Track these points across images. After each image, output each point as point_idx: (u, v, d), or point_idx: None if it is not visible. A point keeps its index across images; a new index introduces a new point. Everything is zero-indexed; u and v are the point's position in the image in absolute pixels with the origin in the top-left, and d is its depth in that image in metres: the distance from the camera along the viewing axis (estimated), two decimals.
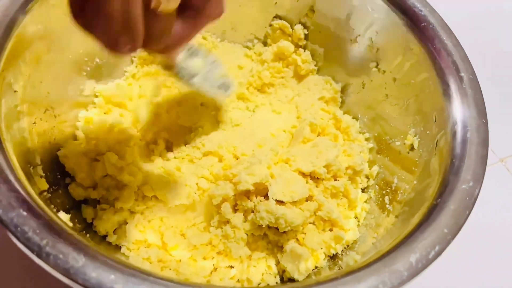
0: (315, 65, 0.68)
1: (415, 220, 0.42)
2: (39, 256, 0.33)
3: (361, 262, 0.40)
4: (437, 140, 0.49)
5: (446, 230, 0.39)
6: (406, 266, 0.37)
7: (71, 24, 0.31)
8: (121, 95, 0.60)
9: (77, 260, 0.32)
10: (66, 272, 0.32)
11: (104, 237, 0.50)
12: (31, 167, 0.45)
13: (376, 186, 0.58)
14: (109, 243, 0.50)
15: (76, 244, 0.34)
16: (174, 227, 0.51)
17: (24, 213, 0.35)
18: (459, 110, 0.48)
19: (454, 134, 0.47)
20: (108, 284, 0.32)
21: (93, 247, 0.34)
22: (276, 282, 0.51)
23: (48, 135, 0.51)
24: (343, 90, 0.66)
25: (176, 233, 0.51)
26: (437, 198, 0.42)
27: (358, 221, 0.56)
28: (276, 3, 0.66)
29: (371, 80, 0.62)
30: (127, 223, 0.51)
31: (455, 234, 0.39)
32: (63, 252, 0.33)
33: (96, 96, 0.60)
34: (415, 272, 0.37)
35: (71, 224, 0.42)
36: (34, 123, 0.49)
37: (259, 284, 0.50)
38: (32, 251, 0.33)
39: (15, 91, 0.46)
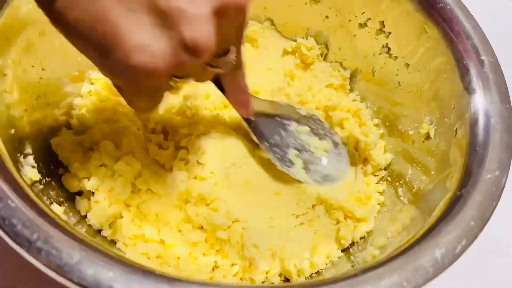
0: (321, 52, 0.64)
1: (437, 212, 0.39)
2: (29, 252, 0.29)
3: (380, 258, 0.36)
4: (456, 128, 0.46)
5: (473, 222, 0.36)
6: (431, 262, 0.34)
7: None
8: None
9: (71, 256, 0.29)
10: (60, 270, 0.29)
11: (99, 231, 0.47)
12: (22, 156, 0.42)
13: (388, 178, 0.55)
14: (104, 238, 0.47)
15: (70, 239, 0.30)
16: (171, 222, 0.48)
17: (13, 204, 0.31)
18: (480, 96, 0.45)
19: (475, 121, 0.44)
20: (107, 283, 0.29)
21: (90, 241, 0.31)
22: (282, 281, 0.48)
23: (40, 124, 0.48)
24: (352, 77, 0.63)
25: (173, 229, 0.48)
26: (460, 189, 0.39)
27: (372, 213, 0.53)
28: None
29: (382, 67, 0.59)
30: (122, 217, 0.47)
31: (482, 227, 0.37)
32: (56, 248, 0.30)
33: (93, 84, 0.57)
34: (441, 268, 0.34)
35: (65, 218, 0.39)
36: (25, 110, 0.46)
37: (263, 283, 0.47)
38: (22, 246, 0.30)
39: (4, 75, 0.42)
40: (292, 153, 0.54)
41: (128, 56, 0.26)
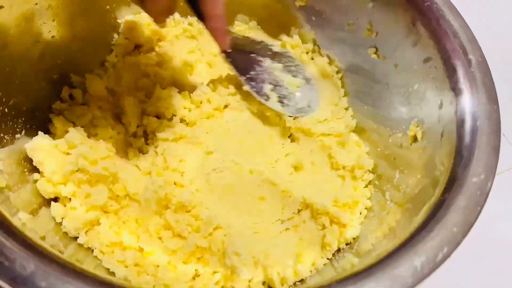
0: (307, 51, 0.63)
1: (420, 218, 0.37)
2: None
3: (359, 266, 0.35)
4: (443, 130, 0.44)
5: (456, 229, 0.35)
6: (410, 271, 0.32)
7: None
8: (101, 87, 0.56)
9: (25, 268, 0.28)
10: (13, 281, 0.28)
11: (75, 239, 0.46)
12: None
13: (376, 182, 0.53)
14: (80, 245, 0.45)
15: (25, 250, 0.29)
16: (150, 229, 0.47)
17: None
18: (467, 96, 0.43)
19: (462, 122, 0.42)
20: None
21: (47, 252, 0.30)
22: None
23: (15, 128, 0.47)
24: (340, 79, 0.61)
25: (152, 236, 0.46)
26: (444, 193, 0.38)
27: (359, 218, 0.51)
28: None
29: (370, 68, 0.57)
30: (100, 223, 0.46)
31: (466, 233, 0.35)
32: (9, 258, 0.28)
33: (73, 87, 0.56)
34: (420, 277, 0.32)
35: (32, 226, 0.37)
36: None
37: None
38: None
39: None
40: (267, 88, 0.56)
41: None
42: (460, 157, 0.40)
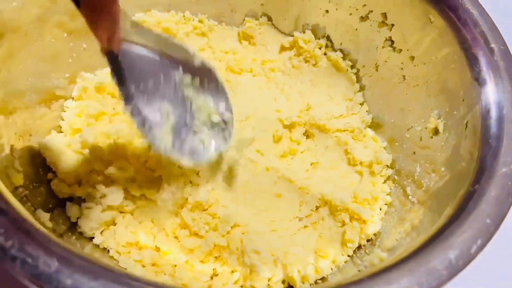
0: (320, 46, 0.62)
1: (449, 211, 0.36)
2: (2, 260, 0.27)
3: (389, 261, 0.34)
4: (467, 121, 0.43)
5: (489, 220, 0.34)
6: (444, 264, 0.31)
7: None
8: (112, 84, 0.54)
9: (48, 265, 0.27)
10: (36, 279, 0.26)
11: (91, 239, 0.45)
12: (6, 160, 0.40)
13: (395, 177, 0.52)
14: (96, 246, 0.44)
15: (48, 246, 0.28)
16: (167, 229, 0.46)
17: None
18: (491, 86, 0.42)
19: (487, 112, 0.41)
20: None
21: (71, 249, 0.28)
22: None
23: (28, 126, 0.46)
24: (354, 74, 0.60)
25: (168, 236, 0.46)
26: (474, 185, 0.37)
27: (379, 214, 0.50)
28: None
29: (386, 61, 0.56)
30: (116, 223, 0.45)
31: (499, 224, 0.34)
32: (32, 256, 0.27)
33: (85, 86, 0.55)
34: (455, 270, 0.31)
35: (50, 225, 0.36)
36: (11, 113, 0.43)
37: None
38: None
39: None
40: (165, 107, 0.42)
41: None
42: (488, 147, 0.38)
